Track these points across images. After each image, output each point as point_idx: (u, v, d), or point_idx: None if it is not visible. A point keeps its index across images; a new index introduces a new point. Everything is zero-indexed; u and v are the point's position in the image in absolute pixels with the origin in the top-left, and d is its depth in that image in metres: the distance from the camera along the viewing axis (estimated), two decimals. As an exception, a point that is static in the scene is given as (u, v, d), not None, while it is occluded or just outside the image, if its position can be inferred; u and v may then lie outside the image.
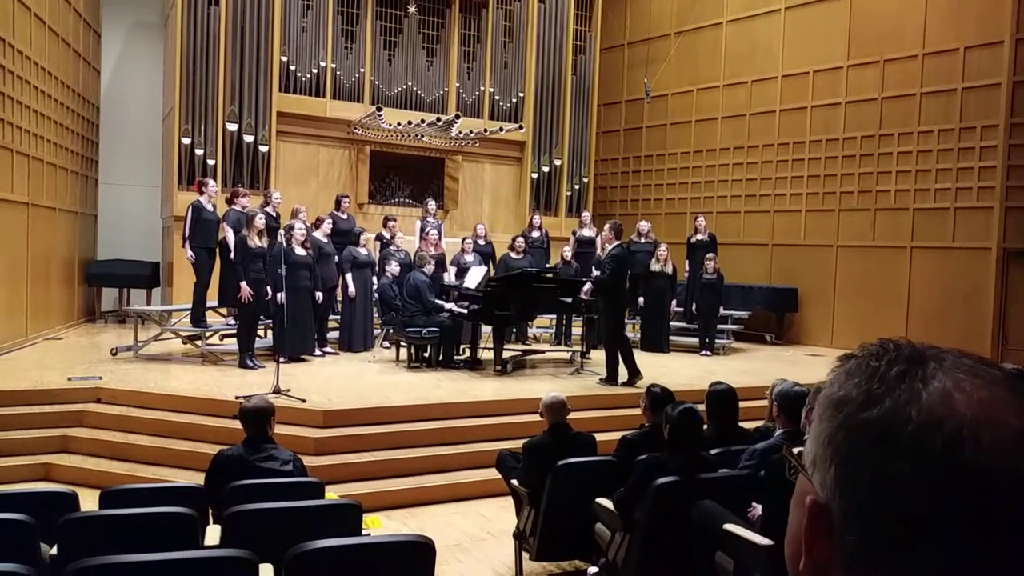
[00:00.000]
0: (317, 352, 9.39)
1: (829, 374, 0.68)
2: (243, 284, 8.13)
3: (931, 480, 0.57)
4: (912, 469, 0.58)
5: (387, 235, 10.54)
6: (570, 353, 10.07)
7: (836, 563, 0.62)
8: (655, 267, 11.06)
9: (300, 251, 8.83)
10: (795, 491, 0.67)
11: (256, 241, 8.32)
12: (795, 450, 0.71)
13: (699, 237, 11.92)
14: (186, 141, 11.38)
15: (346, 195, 11.02)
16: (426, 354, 9.18)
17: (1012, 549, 0.56)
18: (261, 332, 9.32)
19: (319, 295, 9.19)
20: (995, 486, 0.56)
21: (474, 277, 9.52)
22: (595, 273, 9.26)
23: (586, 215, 12.52)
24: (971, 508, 0.56)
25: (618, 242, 8.46)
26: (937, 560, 0.57)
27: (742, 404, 4.92)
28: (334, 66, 12.50)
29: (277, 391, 6.77)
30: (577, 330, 10.63)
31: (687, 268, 11.76)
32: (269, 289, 8.29)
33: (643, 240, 11.52)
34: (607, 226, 8.63)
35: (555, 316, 11.00)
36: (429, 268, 9.43)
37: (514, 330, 10.68)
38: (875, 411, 0.61)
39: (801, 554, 0.64)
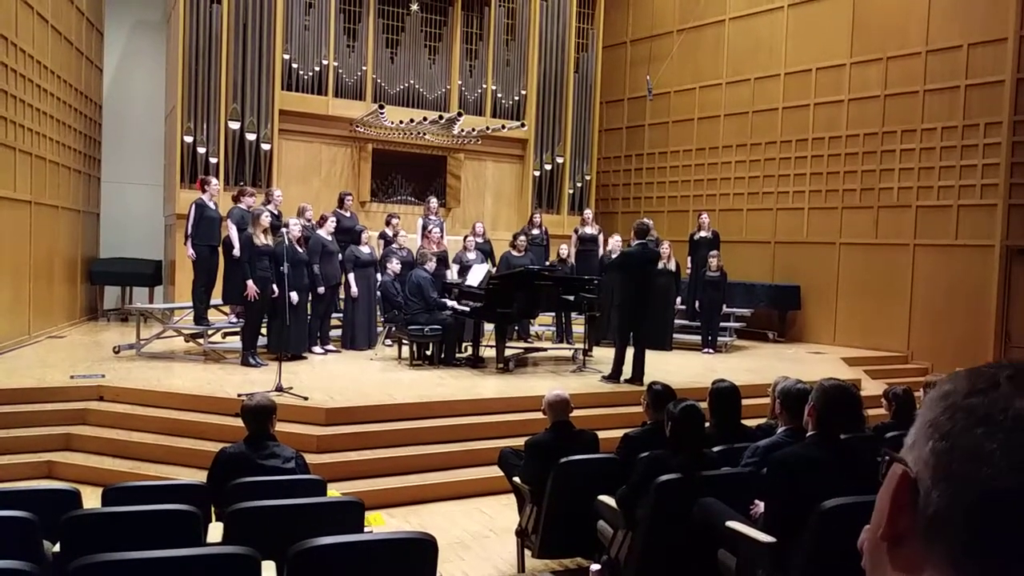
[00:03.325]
0: (319, 350, 9.40)
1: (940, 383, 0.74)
2: (250, 282, 8.15)
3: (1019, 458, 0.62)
4: (1004, 445, 0.62)
5: (390, 233, 10.55)
6: (572, 351, 10.06)
7: (914, 532, 0.66)
8: (658, 264, 11.02)
9: (299, 248, 8.85)
10: (886, 480, 0.72)
11: (262, 239, 8.33)
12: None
13: (702, 234, 11.91)
14: (188, 139, 11.39)
15: (349, 193, 11.03)
16: (428, 352, 9.19)
17: None
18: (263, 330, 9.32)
19: (320, 290, 9.20)
20: None
21: (476, 275, 9.51)
22: None
23: (588, 213, 12.49)
24: None
25: (638, 241, 8.48)
26: (1008, 533, 0.61)
27: (745, 402, 4.92)
28: (336, 64, 12.50)
29: (279, 389, 6.78)
30: (579, 328, 10.62)
31: (689, 265, 11.75)
32: (275, 287, 8.30)
33: (645, 238, 11.51)
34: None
35: (557, 314, 11.00)
36: (431, 266, 9.44)
37: (516, 328, 10.68)
38: (977, 399, 0.67)
39: (881, 525, 0.69)
